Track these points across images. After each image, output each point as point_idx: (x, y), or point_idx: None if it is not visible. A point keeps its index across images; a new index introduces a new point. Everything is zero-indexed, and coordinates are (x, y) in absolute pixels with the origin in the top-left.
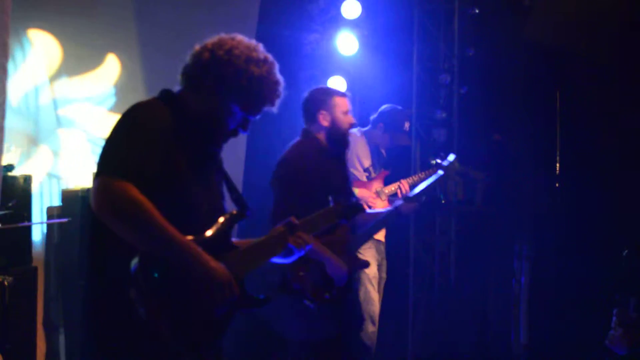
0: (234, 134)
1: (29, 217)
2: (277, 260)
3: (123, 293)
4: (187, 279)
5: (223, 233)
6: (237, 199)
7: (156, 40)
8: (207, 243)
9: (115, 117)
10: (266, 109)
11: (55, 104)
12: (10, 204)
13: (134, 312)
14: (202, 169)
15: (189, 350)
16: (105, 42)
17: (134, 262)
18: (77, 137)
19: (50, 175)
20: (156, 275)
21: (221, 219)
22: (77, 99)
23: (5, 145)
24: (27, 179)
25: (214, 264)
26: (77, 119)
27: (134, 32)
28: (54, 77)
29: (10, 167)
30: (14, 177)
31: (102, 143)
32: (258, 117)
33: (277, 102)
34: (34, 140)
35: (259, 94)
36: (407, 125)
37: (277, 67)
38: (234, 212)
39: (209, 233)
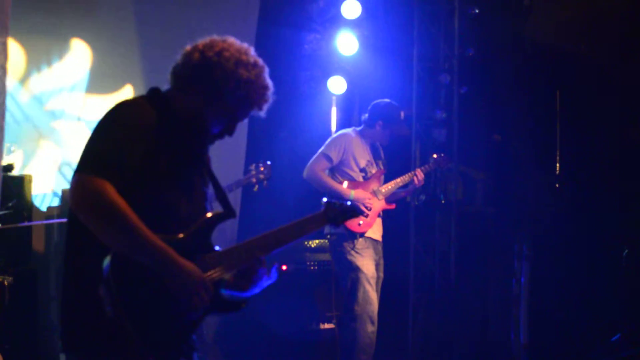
0: (220, 136)
1: (29, 217)
2: None
3: (93, 290)
4: (159, 280)
5: (202, 233)
6: (222, 199)
7: (156, 39)
8: (183, 243)
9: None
10: (254, 113)
11: (48, 99)
12: (10, 204)
13: (102, 310)
14: (185, 170)
15: (156, 350)
16: (104, 43)
17: (106, 260)
18: (77, 132)
19: (51, 176)
20: (126, 275)
21: (201, 220)
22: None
23: (6, 145)
24: (27, 179)
25: (187, 267)
26: (74, 112)
27: (134, 31)
28: (50, 75)
29: (10, 167)
30: (14, 177)
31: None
32: (245, 120)
33: (265, 106)
34: (33, 139)
35: (247, 97)
36: (402, 114)
37: (267, 71)
38: (216, 212)
39: (185, 233)
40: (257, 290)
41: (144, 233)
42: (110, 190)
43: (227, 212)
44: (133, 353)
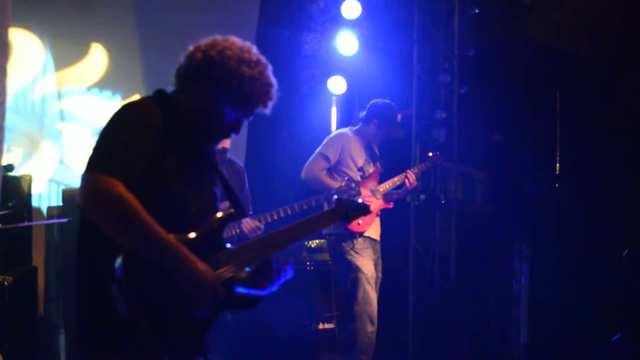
0: (226, 134)
1: (29, 217)
2: None
3: (106, 290)
4: (171, 279)
5: (214, 232)
6: (232, 199)
7: (156, 40)
8: (195, 242)
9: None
10: (259, 110)
11: (48, 100)
12: (10, 204)
13: (115, 309)
14: (194, 169)
15: (170, 349)
16: (104, 43)
17: (118, 260)
18: (77, 133)
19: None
20: (139, 274)
21: (212, 218)
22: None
23: (5, 146)
24: (27, 179)
25: (199, 265)
26: (75, 113)
27: (134, 32)
28: (50, 76)
29: (10, 167)
30: (14, 177)
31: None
32: (251, 118)
33: (270, 104)
34: (33, 140)
35: (251, 95)
36: (399, 117)
37: (270, 69)
38: (228, 211)
39: (196, 232)
40: (274, 287)
41: (155, 229)
42: (120, 187)
43: (238, 212)
44: (147, 352)
